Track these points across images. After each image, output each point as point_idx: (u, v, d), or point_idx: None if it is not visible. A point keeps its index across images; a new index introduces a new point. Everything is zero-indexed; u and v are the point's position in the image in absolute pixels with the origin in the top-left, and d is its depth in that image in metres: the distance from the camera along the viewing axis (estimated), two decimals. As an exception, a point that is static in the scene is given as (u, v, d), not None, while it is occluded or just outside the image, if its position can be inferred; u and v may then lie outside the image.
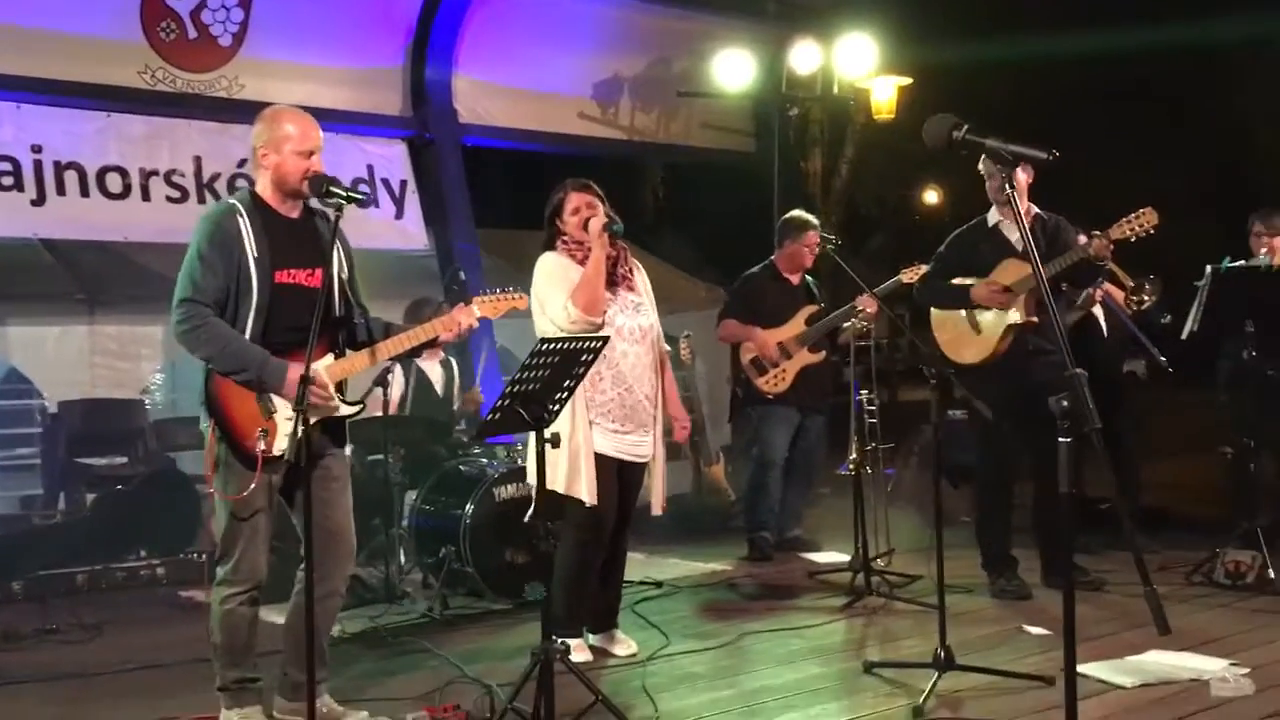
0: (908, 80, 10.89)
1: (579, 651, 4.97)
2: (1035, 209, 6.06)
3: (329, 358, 4.20)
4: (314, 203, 4.25)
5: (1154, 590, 2.70)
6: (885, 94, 10.83)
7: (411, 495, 6.62)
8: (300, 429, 3.74)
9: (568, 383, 4.19)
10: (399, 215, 8.78)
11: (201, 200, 8.10)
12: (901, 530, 7.07)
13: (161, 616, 6.17)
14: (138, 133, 7.96)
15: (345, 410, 4.25)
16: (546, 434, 4.09)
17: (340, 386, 4.23)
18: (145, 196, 7.95)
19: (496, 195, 11.13)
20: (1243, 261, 6.47)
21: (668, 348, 5.33)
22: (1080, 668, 4.61)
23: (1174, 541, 6.86)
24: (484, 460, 6.49)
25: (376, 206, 8.28)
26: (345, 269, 4.31)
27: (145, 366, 8.75)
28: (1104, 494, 6.72)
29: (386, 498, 6.32)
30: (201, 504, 7.26)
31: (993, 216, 6.11)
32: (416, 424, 6.71)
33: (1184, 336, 6.38)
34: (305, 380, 3.75)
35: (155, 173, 8.00)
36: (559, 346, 4.06)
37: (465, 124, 9.23)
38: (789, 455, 7.29)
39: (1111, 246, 5.54)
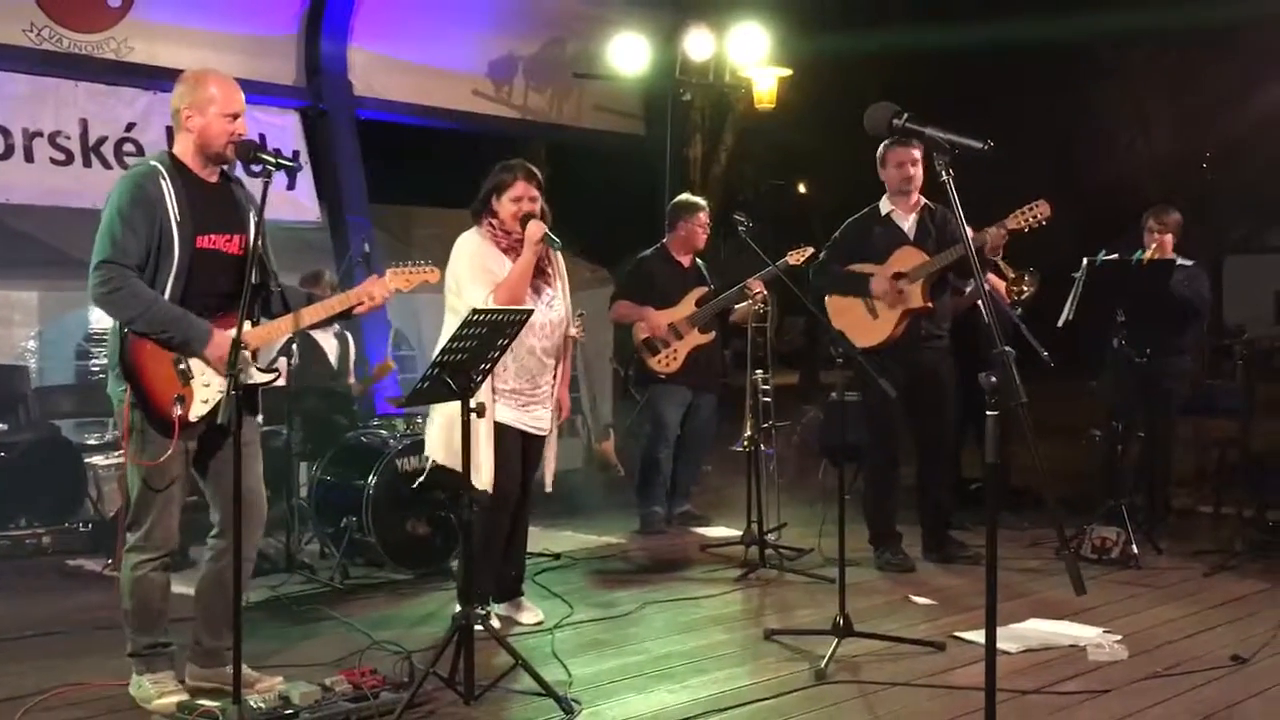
0: (788, 72, 11.16)
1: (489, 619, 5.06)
2: (924, 200, 6.33)
3: (246, 324, 4.20)
4: (239, 169, 4.25)
5: (1073, 553, 2.92)
6: (767, 84, 11.08)
7: (306, 466, 6.62)
8: (233, 392, 3.74)
9: (492, 353, 4.29)
10: (290, 186, 8.66)
11: (87, 163, 7.92)
12: (784, 507, 7.31)
13: (51, 585, 6.07)
14: (21, 92, 7.73)
15: (260, 377, 4.26)
16: (472, 404, 4.18)
17: (254, 355, 4.24)
18: (29, 158, 7.72)
19: (384, 170, 11.05)
20: (1115, 255, 6.85)
21: (574, 332, 5.37)
22: (966, 634, 4.93)
23: (1041, 519, 7.22)
24: (384, 432, 6.52)
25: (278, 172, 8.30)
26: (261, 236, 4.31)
27: (19, 333, 8.52)
28: (978, 475, 7.06)
29: (285, 468, 6.31)
30: (87, 472, 7.13)
31: (885, 205, 6.34)
32: (316, 395, 6.70)
33: (1060, 325, 6.74)
34: (237, 344, 3.76)
35: (39, 134, 7.77)
36: (488, 318, 4.15)
37: (360, 97, 9.17)
38: (680, 433, 7.48)
39: (1006, 237, 5.81)
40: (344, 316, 4.44)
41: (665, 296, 7.36)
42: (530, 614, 5.31)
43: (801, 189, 24.04)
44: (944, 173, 2.87)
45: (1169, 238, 7.02)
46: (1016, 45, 15.61)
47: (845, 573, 4.87)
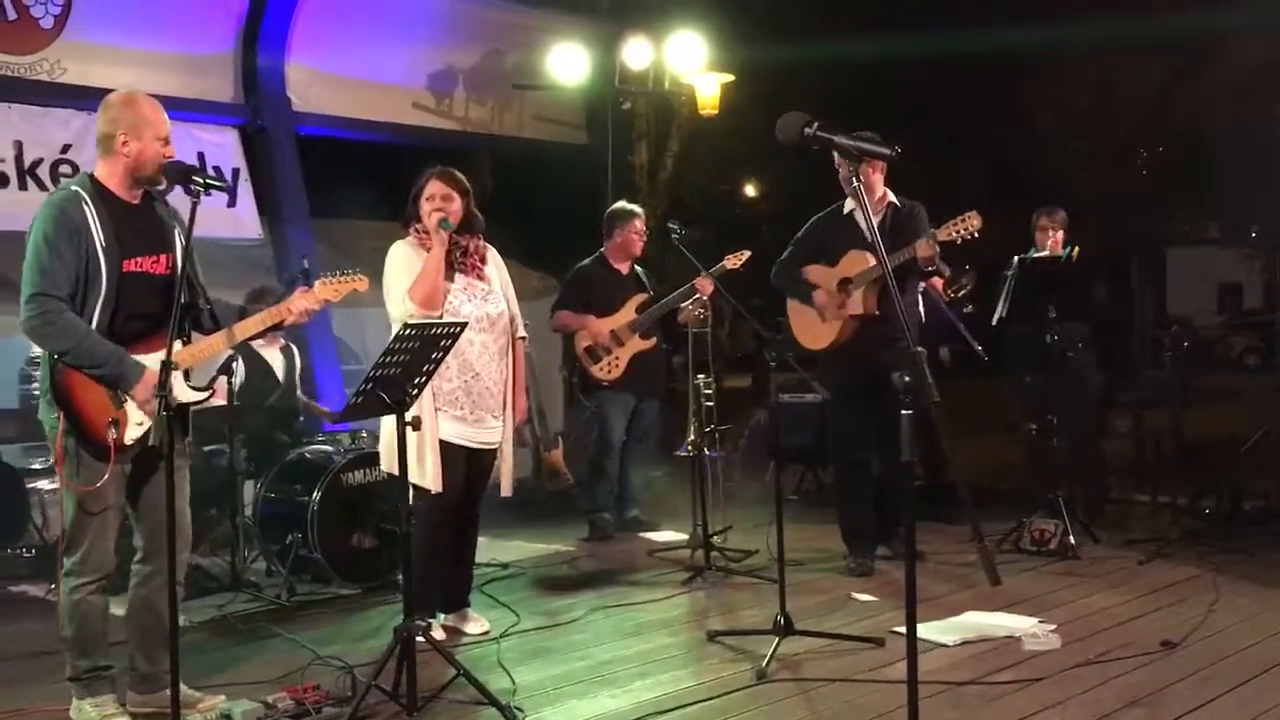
0: (730, 77, 11.24)
1: (433, 630, 5.08)
2: (891, 196, 6.32)
3: (177, 344, 4.19)
4: (176, 189, 4.26)
5: (986, 546, 2.99)
6: (710, 90, 11.15)
7: (251, 484, 6.61)
8: (164, 412, 3.74)
9: (427, 366, 4.32)
10: (231, 204, 8.61)
11: (23, 186, 7.84)
12: (731, 509, 7.37)
13: (-7, 612, 6.02)
14: (-47, 116, 7.66)
15: (190, 396, 4.26)
16: (408, 417, 4.21)
17: (186, 374, 4.24)
18: (-37, 181, 7.65)
19: (327, 185, 11.01)
20: (1045, 253, 6.98)
21: (524, 335, 5.45)
22: (903, 629, 5.00)
23: (980, 514, 7.29)
24: (329, 447, 6.52)
25: (208, 194, 8.25)
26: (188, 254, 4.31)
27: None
28: (918, 475, 7.16)
29: (229, 486, 6.30)
30: (30, 497, 7.07)
31: (848, 205, 6.31)
32: (259, 412, 6.68)
33: (993, 322, 6.86)
34: (167, 364, 3.78)
35: (-28, 157, 7.71)
36: (419, 332, 4.18)
37: (299, 112, 9.13)
38: (626, 439, 7.53)
39: (937, 249, 5.85)
40: (276, 328, 4.47)
41: (605, 304, 7.42)
42: (476, 624, 5.34)
43: (751, 192, 24.23)
44: (855, 179, 2.93)
45: (1060, 234, 7.19)
46: (954, 52, 15.83)
47: (786, 572, 4.95)
